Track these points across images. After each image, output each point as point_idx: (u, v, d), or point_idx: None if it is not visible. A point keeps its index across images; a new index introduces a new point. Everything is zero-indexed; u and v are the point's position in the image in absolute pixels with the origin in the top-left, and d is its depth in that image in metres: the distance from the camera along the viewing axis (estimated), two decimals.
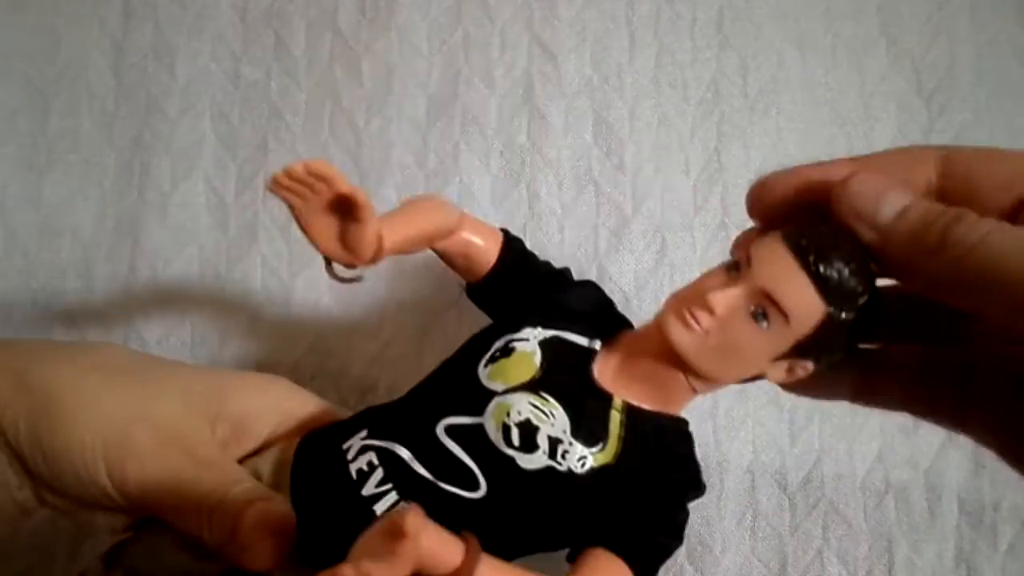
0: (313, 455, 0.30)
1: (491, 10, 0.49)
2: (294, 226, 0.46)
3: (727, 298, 0.24)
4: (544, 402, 0.26)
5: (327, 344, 0.46)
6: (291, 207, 0.26)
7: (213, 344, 0.46)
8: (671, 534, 0.28)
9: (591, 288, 0.31)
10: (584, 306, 0.30)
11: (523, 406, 0.26)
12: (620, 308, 0.32)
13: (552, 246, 0.46)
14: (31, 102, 0.49)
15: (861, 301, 0.24)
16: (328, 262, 0.28)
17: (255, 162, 0.48)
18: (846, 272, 0.23)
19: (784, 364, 0.25)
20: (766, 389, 0.34)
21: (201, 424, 0.31)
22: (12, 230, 0.47)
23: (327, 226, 0.27)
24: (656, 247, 0.46)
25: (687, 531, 0.43)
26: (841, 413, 0.44)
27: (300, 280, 0.46)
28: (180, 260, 0.47)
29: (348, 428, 0.30)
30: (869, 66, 0.49)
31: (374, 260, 0.27)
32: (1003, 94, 0.48)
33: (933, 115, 0.48)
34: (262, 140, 0.48)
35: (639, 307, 0.45)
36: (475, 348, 0.29)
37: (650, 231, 0.46)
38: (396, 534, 0.20)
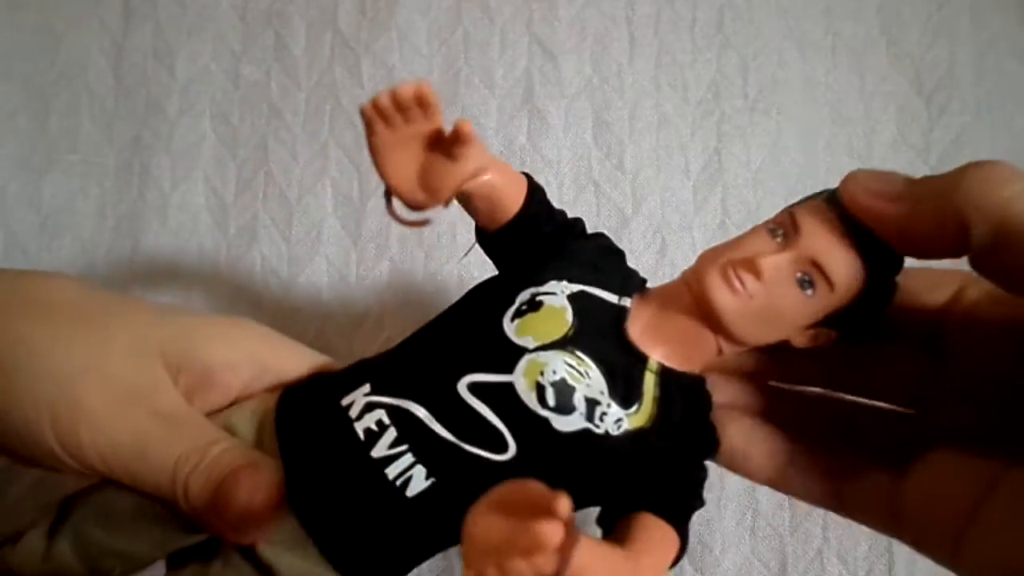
0: (304, 412, 0.27)
1: (491, 10, 0.49)
2: (294, 225, 0.47)
3: (776, 263, 0.24)
4: (579, 361, 0.25)
5: (327, 343, 0.46)
6: (372, 135, 0.24)
7: None
8: (697, 494, 0.27)
9: (605, 240, 0.30)
10: (603, 260, 0.28)
11: (558, 365, 0.25)
12: None
13: None
14: (31, 102, 0.49)
15: (896, 275, 0.25)
16: (389, 200, 0.25)
17: (255, 162, 0.48)
18: (889, 246, 0.24)
19: (811, 332, 0.25)
20: None
21: (162, 375, 0.28)
22: (12, 230, 0.47)
23: (406, 161, 0.25)
24: (656, 247, 0.46)
25: None
26: None
27: (300, 280, 0.46)
28: (180, 260, 0.47)
29: (343, 382, 0.27)
30: (869, 66, 0.49)
31: (445, 204, 0.25)
32: (1003, 94, 0.48)
33: (933, 115, 0.48)
34: (262, 140, 0.48)
35: None
36: (493, 300, 0.27)
37: (650, 231, 0.46)
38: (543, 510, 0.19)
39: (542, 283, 0.26)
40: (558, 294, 0.26)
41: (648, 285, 0.28)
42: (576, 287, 0.26)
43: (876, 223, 0.24)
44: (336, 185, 0.47)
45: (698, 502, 0.27)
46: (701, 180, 0.47)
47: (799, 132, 0.48)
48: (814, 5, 0.49)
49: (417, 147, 0.24)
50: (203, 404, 0.29)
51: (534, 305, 0.26)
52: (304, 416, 0.27)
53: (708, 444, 0.27)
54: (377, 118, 0.24)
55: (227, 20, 0.50)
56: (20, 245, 0.47)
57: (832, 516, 0.42)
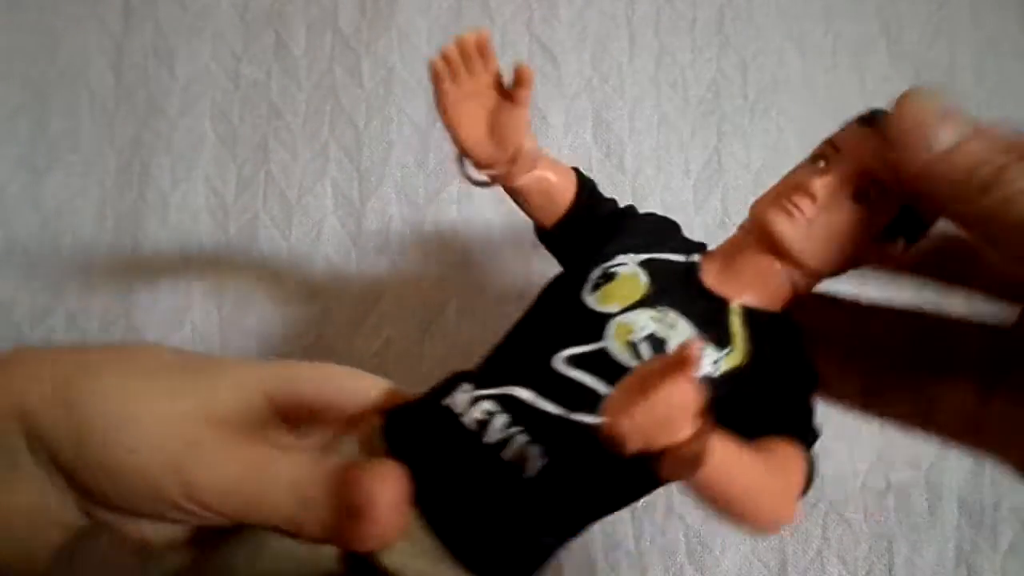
0: (409, 422, 0.28)
1: (491, 10, 0.49)
2: (294, 225, 0.47)
3: (827, 182, 0.25)
4: (664, 315, 0.25)
5: (328, 343, 0.46)
6: (441, 94, 0.26)
7: (213, 344, 0.46)
8: (810, 426, 0.27)
9: (658, 215, 0.31)
10: (661, 231, 0.30)
11: (645, 321, 0.25)
12: None
13: None
14: (31, 102, 0.49)
15: None
16: (461, 162, 0.27)
17: (255, 162, 0.48)
18: None
19: (878, 247, 0.26)
20: None
21: (269, 415, 0.28)
22: (12, 230, 0.48)
23: (473, 117, 0.26)
24: None
25: (686, 530, 0.43)
26: (841, 413, 0.44)
27: (300, 280, 0.46)
28: (180, 260, 0.47)
29: (442, 390, 0.28)
30: (869, 66, 0.49)
31: (514, 159, 0.27)
32: (1003, 94, 0.48)
33: None
34: (262, 140, 0.48)
35: None
36: (566, 284, 0.28)
37: None
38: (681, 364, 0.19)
39: (610, 258, 0.27)
40: (628, 264, 0.27)
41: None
42: (643, 255, 0.27)
43: (899, 164, 0.24)
44: (336, 185, 0.47)
45: (812, 434, 0.27)
46: (701, 180, 0.47)
47: (799, 132, 0.48)
48: (814, 5, 0.49)
49: (480, 102, 0.26)
50: (306, 444, 0.29)
51: (608, 276, 0.27)
52: (410, 425, 0.28)
53: (809, 379, 0.27)
54: (445, 74, 0.25)
55: (227, 20, 0.50)
56: (20, 245, 0.47)
57: (832, 516, 0.43)
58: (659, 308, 0.26)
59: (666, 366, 0.20)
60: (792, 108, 0.48)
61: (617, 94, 0.48)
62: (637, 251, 0.28)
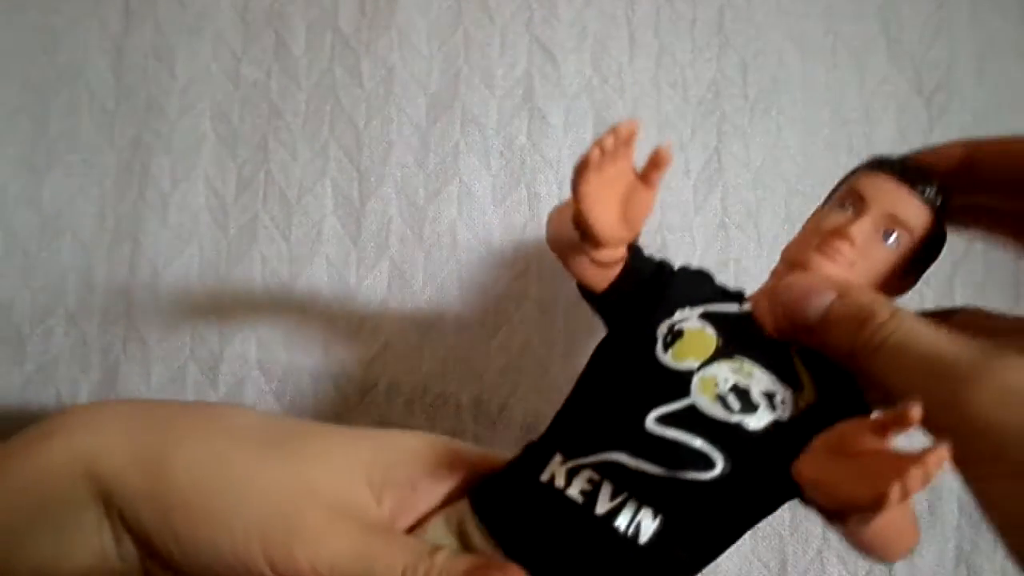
0: (507, 502, 0.28)
1: (491, 10, 0.49)
2: (294, 225, 0.47)
3: (862, 228, 0.28)
4: (741, 364, 0.27)
5: (327, 344, 0.46)
6: (584, 184, 0.25)
7: (213, 344, 0.46)
8: None
9: (694, 269, 0.31)
10: (702, 284, 0.31)
11: (725, 373, 0.27)
12: None
13: None
14: (31, 102, 0.49)
15: (944, 214, 0.29)
16: (584, 242, 0.27)
17: (255, 162, 0.48)
18: (937, 191, 0.28)
19: (903, 279, 0.29)
20: None
21: (367, 493, 0.28)
22: (12, 230, 0.48)
23: (609, 204, 0.26)
24: (656, 247, 0.46)
25: None
26: None
27: (300, 280, 0.46)
28: (180, 260, 0.47)
29: (529, 464, 0.28)
30: (869, 66, 0.49)
31: (636, 237, 0.28)
32: (1003, 94, 0.48)
33: (933, 115, 0.48)
34: (262, 140, 0.48)
35: None
36: (633, 345, 0.28)
37: (650, 231, 0.46)
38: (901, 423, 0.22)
39: (671, 314, 0.28)
40: (690, 318, 0.28)
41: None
42: (699, 309, 0.29)
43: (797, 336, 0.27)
44: (336, 185, 0.47)
45: None
46: (701, 180, 0.47)
47: (799, 132, 0.48)
48: (814, 5, 0.49)
49: (614, 186, 0.26)
50: (405, 521, 0.29)
51: (676, 334, 0.28)
52: (509, 506, 0.28)
53: (863, 402, 0.29)
54: (594, 164, 0.25)
55: (227, 20, 0.50)
56: (20, 245, 0.47)
57: None
58: (735, 359, 0.27)
59: (871, 425, 0.22)
60: (792, 108, 0.48)
61: (617, 94, 0.48)
62: (692, 305, 0.29)
